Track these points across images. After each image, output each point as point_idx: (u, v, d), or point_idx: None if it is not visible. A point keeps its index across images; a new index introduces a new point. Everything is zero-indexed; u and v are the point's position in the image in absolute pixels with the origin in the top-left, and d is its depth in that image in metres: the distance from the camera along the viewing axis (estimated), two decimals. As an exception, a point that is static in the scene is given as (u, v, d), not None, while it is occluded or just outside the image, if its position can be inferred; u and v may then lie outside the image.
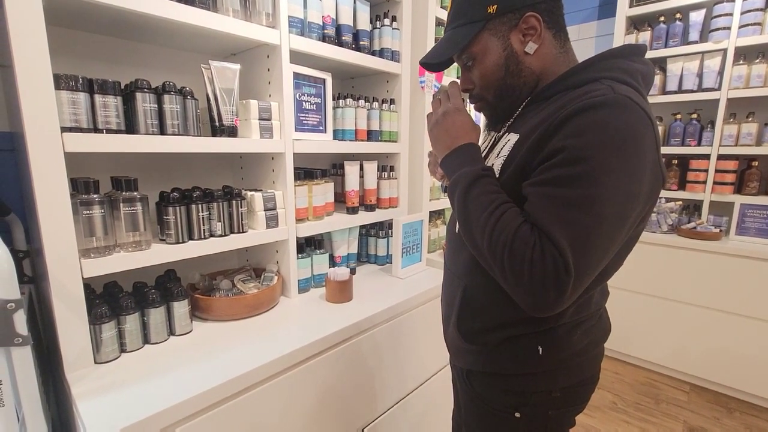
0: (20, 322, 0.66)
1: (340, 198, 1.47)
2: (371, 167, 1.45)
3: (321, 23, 1.20)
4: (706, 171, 2.27)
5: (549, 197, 0.58)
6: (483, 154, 0.79)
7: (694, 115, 2.33)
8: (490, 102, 0.76)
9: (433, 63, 0.79)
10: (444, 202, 1.81)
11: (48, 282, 0.77)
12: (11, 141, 1.00)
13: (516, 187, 0.64)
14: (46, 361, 0.97)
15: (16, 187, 1.03)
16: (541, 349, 0.71)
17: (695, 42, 2.26)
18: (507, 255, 0.57)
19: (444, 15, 1.62)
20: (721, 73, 2.19)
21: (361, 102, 1.38)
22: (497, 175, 0.69)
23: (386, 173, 1.50)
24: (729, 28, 2.13)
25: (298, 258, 1.24)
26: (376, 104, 1.42)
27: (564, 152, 0.57)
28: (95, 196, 0.83)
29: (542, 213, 0.58)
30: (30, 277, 1.02)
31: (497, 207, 0.62)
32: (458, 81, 0.79)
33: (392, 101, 1.48)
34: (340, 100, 1.34)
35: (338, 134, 1.35)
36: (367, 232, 1.60)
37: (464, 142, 0.71)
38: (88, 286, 0.89)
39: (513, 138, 0.69)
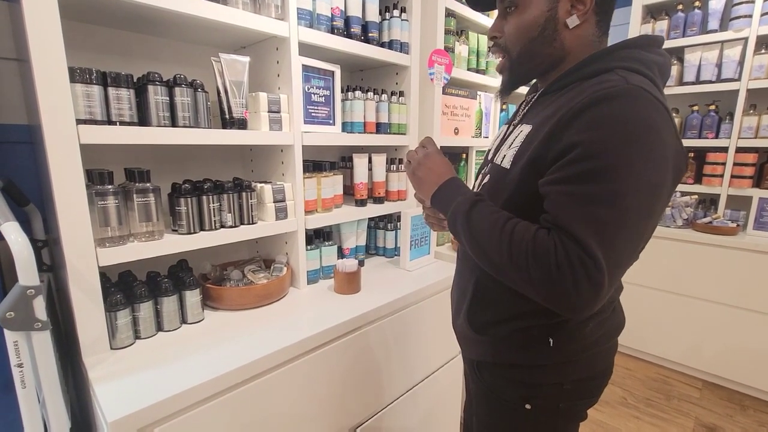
0: (40, 307, 0.68)
1: (349, 190, 1.48)
2: (380, 160, 1.45)
3: (330, 15, 1.20)
4: (724, 164, 2.22)
5: (570, 195, 0.56)
6: (496, 146, 0.80)
7: (712, 107, 2.27)
8: (512, 59, 0.72)
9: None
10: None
11: (66, 270, 0.80)
12: (29, 133, 1.03)
13: (527, 179, 0.64)
14: (65, 346, 1.01)
15: (35, 178, 1.06)
16: (552, 341, 0.70)
17: (714, 31, 2.20)
18: (532, 265, 0.56)
19: (455, 6, 1.60)
20: (741, 63, 2.13)
21: (370, 94, 1.38)
22: (508, 167, 0.69)
23: (395, 166, 1.50)
24: (750, 16, 2.06)
25: (307, 249, 1.25)
26: (384, 96, 1.42)
27: (580, 147, 0.56)
28: (110, 186, 0.85)
29: (564, 211, 0.56)
30: (49, 266, 1.05)
31: (505, 223, 0.61)
32: (431, 137, 0.83)
33: (401, 93, 1.48)
34: (349, 93, 1.34)
35: (347, 127, 1.35)
36: (375, 224, 1.61)
37: (448, 177, 0.74)
38: (104, 274, 0.91)
39: (525, 129, 0.69)
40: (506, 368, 0.76)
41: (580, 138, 0.57)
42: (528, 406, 0.75)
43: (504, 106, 2.04)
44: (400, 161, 1.53)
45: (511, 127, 0.77)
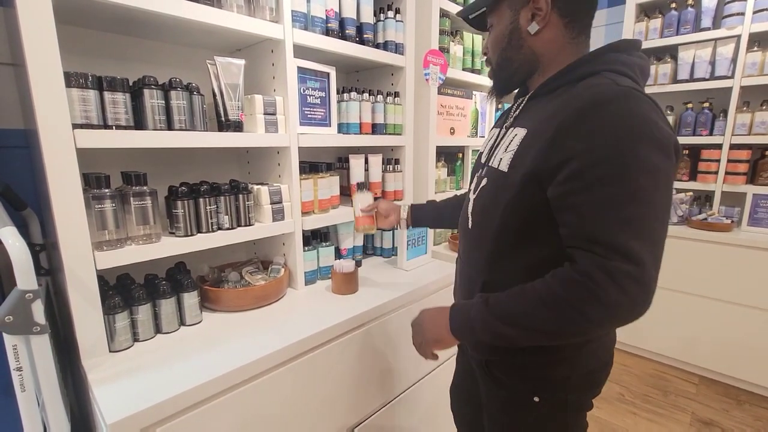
0: (38, 311, 0.69)
1: (346, 191, 1.48)
2: (376, 160, 1.46)
3: (324, 17, 1.20)
4: (718, 161, 2.23)
5: (594, 203, 0.58)
6: (489, 149, 0.82)
7: (706, 104, 2.29)
8: (494, 68, 0.81)
9: (466, 17, 0.87)
10: (448, 195, 1.81)
11: (64, 274, 0.80)
12: (26, 138, 1.03)
13: (528, 187, 0.66)
14: (64, 350, 1.01)
15: (32, 182, 1.06)
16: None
17: (708, 29, 2.21)
18: (584, 311, 0.58)
19: (448, 6, 1.61)
20: (734, 60, 2.14)
21: (366, 95, 1.38)
22: (506, 170, 0.70)
23: (391, 166, 1.51)
24: (743, 14, 2.07)
25: (304, 250, 1.26)
26: (380, 97, 1.43)
27: (588, 154, 0.58)
28: (106, 190, 0.85)
29: (592, 221, 0.58)
30: (47, 270, 1.06)
31: (522, 294, 0.64)
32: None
33: (397, 94, 1.48)
34: (345, 94, 1.35)
35: (343, 128, 1.36)
36: (372, 224, 1.61)
37: (446, 310, 0.76)
38: (102, 277, 0.92)
39: (520, 133, 0.71)
40: (517, 364, 0.78)
41: (584, 145, 0.59)
42: (536, 399, 0.77)
43: (500, 106, 2.05)
44: (397, 161, 1.53)
45: (504, 130, 0.79)
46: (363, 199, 1.22)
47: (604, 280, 0.56)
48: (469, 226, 0.81)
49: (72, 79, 0.78)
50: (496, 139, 0.81)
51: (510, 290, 0.66)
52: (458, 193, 1.19)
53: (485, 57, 0.84)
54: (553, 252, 0.66)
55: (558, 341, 0.66)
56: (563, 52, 0.72)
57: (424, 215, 1.20)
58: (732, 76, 2.15)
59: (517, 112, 0.78)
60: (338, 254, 1.43)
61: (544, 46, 0.72)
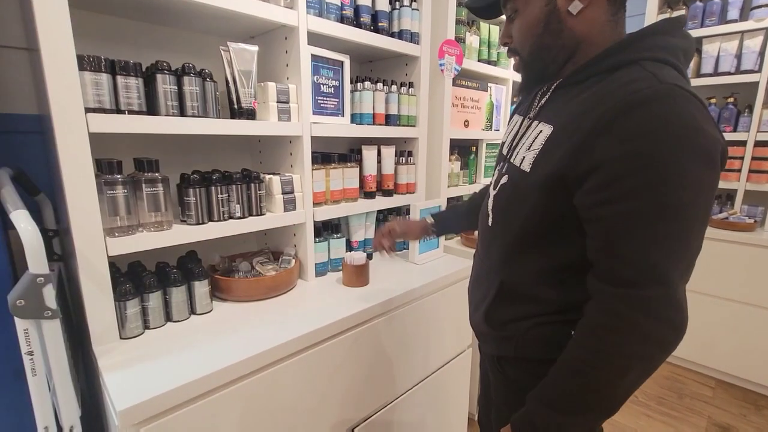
0: (49, 296, 0.68)
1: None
2: (389, 152, 1.44)
3: (339, 4, 1.18)
4: (742, 158, 2.15)
5: (625, 215, 0.53)
6: (512, 142, 0.76)
7: (731, 99, 2.21)
8: (524, 59, 0.69)
9: (476, 7, 0.77)
10: (461, 189, 1.79)
11: (75, 259, 0.80)
12: (39, 123, 1.03)
13: (553, 190, 0.61)
14: (76, 336, 1.01)
15: (45, 168, 1.06)
16: (573, 333, 0.68)
17: (734, 21, 2.13)
18: (631, 350, 0.55)
19: (465, -5, 1.57)
20: (762, 53, 2.06)
21: (379, 85, 1.36)
22: (528, 170, 0.65)
23: (404, 158, 1.48)
24: (773, 5, 1.99)
25: (315, 242, 1.24)
26: (394, 87, 1.40)
27: (623, 161, 0.53)
28: (119, 176, 0.85)
29: (622, 237, 0.54)
30: (59, 255, 1.06)
31: (570, 376, 0.60)
32: None
33: (411, 85, 1.45)
34: (358, 84, 1.33)
35: (356, 118, 1.34)
36: (384, 217, 1.59)
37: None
38: (113, 264, 0.91)
39: (545, 130, 0.65)
40: (528, 362, 0.75)
41: (617, 152, 0.53)
42: None
43: (515, 99, 2.01)
44: (410, 153, 1.51)
45: (527, 121, 0.73)
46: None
47: (632, 313, 0.54)
48: (489, 223, 0.77)
49: (85, 63, 0.77)
50: (518, 130, 0.76)
51: (554, 374, 0.62)
52: (477, 190, 1.11)
53: (505, 47, 0.73)
54: (575, 257, 0.63)
55: (635, 387, 0.61)
56: (603, 34, 0.63)
57: (445, 223, 1.11)
58: (759, 71, 2.07)
59: (542, 101, 0.71)
60: (349, 246, 1.42)
61: (588, 27, 0.62)
